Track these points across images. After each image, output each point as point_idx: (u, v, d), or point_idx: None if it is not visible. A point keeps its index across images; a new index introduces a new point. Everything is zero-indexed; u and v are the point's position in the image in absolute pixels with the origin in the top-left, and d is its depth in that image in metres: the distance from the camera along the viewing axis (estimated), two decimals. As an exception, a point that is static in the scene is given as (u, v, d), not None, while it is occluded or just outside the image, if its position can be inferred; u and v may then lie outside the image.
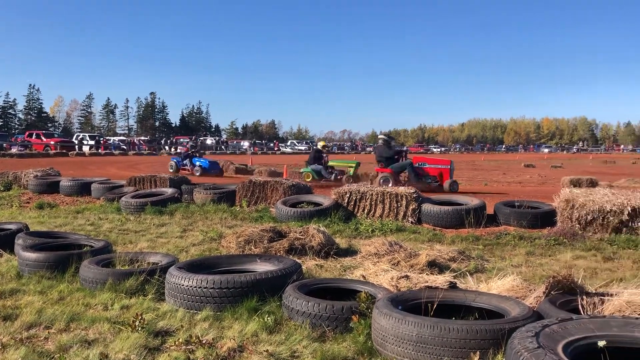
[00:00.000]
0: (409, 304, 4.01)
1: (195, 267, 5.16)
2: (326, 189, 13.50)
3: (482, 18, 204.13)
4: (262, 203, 11.11)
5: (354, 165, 19.05)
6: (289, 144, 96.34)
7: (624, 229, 8.17)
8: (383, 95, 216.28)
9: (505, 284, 4.75)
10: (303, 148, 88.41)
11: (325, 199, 10.27)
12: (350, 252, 7.26)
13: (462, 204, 9.56)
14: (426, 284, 4.40)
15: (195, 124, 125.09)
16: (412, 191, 9.81)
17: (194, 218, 10.14)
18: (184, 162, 23.33)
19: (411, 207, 9.60)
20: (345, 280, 5.06)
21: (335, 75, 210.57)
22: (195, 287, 4.59)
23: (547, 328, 3.05)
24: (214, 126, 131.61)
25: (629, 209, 8.21)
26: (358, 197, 10.02)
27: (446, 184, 14.92)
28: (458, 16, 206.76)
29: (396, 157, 15.79)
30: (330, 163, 19.34)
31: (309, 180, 17.62)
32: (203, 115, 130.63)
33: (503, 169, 36.51)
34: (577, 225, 8.37)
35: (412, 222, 9.46)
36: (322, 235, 6.96)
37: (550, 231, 8.29)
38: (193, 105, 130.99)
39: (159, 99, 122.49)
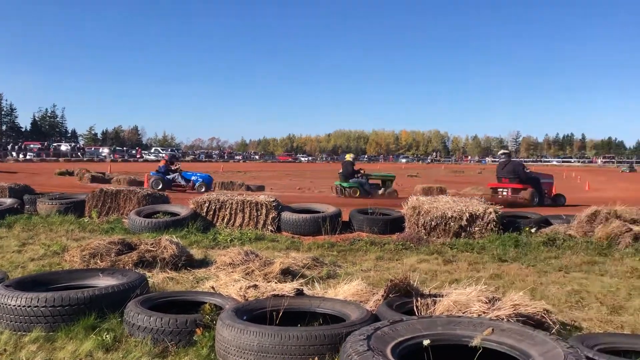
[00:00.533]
0: (254, 313, 4.00)
1: (26, 284, 4.72)
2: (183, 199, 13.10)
3: (343, 34, 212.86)
4: (114, 214, 10.50)
5: (393, 178, 18.57)
6: (152, 151, 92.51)
7: (463, 233, 8.91)
8: (253, 104, 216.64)
9: (350, 288, 4.92)
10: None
11: (182, 209, 9.97)
12: (205, 263, 7.11)
13: (320, 212, 9.82)
14: (274, 293, 4.42)
15: (48, 129, 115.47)
16: (271, 200, 9.87)
17: (37, 230, 9.32)
18: (172, 177, 19.18)
19: (271, 216, 9.65)
20: (192, 293, 4.92)
21: (204, 82, 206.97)
22: (23, 306, 4.19)
23: (379, 330, 3.20)
24: (70, 131, 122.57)
25: (467, 215, 8.97)
26: (217, 206, 9.86)
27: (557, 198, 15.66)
28: (325, 31, 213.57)
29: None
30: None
31: (357, 195, 16.76)
32: (58, 119, 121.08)
33: (364, 177, 38.14)
34: (423, 231, 8.96)
35: (271, 231, 9.51)
36: (175, 247, 6.73)
37: (399, 236, 8.79)
38: (47, 109, 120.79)
39: (5, 100, 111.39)
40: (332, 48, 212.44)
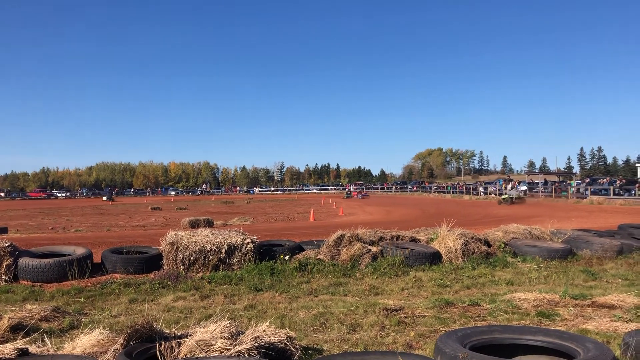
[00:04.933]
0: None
1: None
2: None
3: (106, 61, 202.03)
4: None
5: None
6: None
7: (222, 265, 8.94)
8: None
9: (91, 339, 4.50)
10: None
11: None
12: None
13: (66, 255, 8.91)
14: (-10, 357, 3.79)
15: None
16: (6, 245, 8.64)
17: None
18: None
19: (5, 264, 8.42)
20: None
21: None
22: None
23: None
24: None
25: (226, 247, 9.04)
26: None
27: None
28: (84, 56, 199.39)
29: None
30: None
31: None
32: None
33: (130, 212, 36.31)
34: (181, 267, 8.75)
35: (6, 281, 8.29)
36: None
37: (156, 275, 8.43)
38: None
39: None
40: (96, 73, 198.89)
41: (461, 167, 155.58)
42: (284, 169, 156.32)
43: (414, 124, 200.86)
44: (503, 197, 39.50)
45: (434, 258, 9.57)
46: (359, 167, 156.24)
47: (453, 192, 64.40)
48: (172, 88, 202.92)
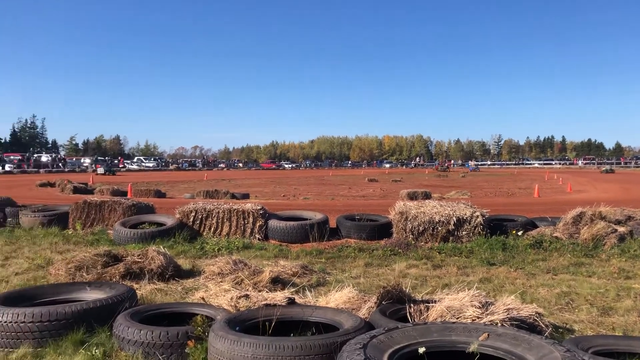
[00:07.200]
0: (247, 324, 3.95)
1: (12, 299, 4.62)
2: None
3: (327, 42, 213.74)
4: (99, 225, 10.36)
5: None
6: (135, 160, 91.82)
7: (451, 237, 8.93)
8: (236, 112, 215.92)
9: (342, 296, 4.89)
10: (151, 165, 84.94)
11: (168, 219, 9.87)
12: (193, 273, 7.03)
13: (307, 219, 9.78)
14: (265, 302, 4.38)
15: (28, 140, 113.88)
16: (258, 208, 9.81)
17: (19, 244, 9.15)
18: None
19: (258, 224, 9.59)
20: (182, 304, 4.85)
21: (186, 89, 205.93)
22: (10, 322, 4.10)
23: (375, 339, 3.17)
24: (50, 142, 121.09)
25: (455, 219, 9.00)
26: (204, 215, 9.78)
27: None
28: (309, 37, 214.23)
29: None
30: None
31: None
32: (38, 130, 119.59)
33: (349, 183, 38.23)
34: (410, 236, 8.97)
35: (259, 239, 9.45)
36: (163, 257, 6.65)
37: (387, 242, 8.78)
38: (26, 119, 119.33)
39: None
40: (317, 55, 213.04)
41: None
42: (502, 142, 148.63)
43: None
44: None
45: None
46: (589, 140, 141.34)
47: None
48: (393, 69, 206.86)
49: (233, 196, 21.20)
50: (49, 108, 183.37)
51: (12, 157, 66.09)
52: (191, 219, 9.77)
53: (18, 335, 4.10)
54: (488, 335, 3.21)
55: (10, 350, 4.05)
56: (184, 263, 7.48)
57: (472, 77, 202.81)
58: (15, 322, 4.10)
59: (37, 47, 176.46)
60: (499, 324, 3.65)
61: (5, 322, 4.10)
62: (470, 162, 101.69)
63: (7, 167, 58.74)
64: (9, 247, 8.84)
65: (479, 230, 8.94)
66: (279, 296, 4.49)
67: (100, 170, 51.03)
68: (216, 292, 5.23)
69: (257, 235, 9.51)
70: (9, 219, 11.04)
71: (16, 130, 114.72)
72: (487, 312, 3.90)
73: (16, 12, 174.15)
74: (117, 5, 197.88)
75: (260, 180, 43.22)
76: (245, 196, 21.99)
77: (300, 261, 7.55)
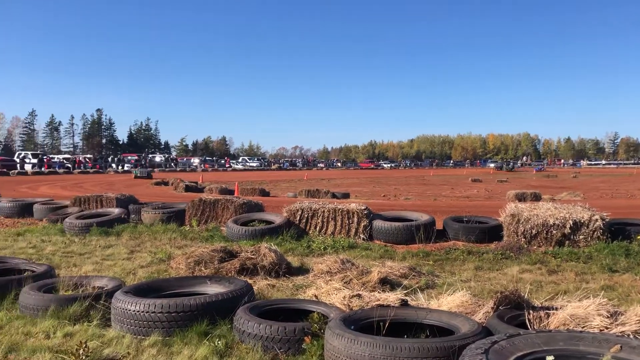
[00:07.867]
0: (361, 323, 4.00)
1: (142, 291, 5.01)
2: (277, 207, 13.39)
3: (421, 40, 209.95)
4: (212, 222, 10.93)
5: None
6: (240, 160, 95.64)
7: (567, 241, 8.47)
8: (334, 112, 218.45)
9: (455, 299, 4.81)
10: (255, 164, 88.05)
11: (277, 217, 10.20)
12: (302, 270, 7.21)
13: (413, 220, 9.70)
14: (378, 303, 4.41)
15: (143, 141, 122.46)
16: (362, 208, 9.86)
17: (142, 239, 9.87)
18: None
19: (362, 224, 9.65)
20: (297, 301, 5.00)
21: (286, 92, 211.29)
22: (142, 311, 4.44)
23: (496, 344, 3.09)
24: (163, 143, 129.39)
25: (571, 222, 8.52)
26: (310, 214, 10.00)
27: None
28: (404, 35, 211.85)
29: None
30: None
31: None
32: (152, 132, 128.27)
33: (451, 184, 37.38)
34: (522, 239, 8.61)
35: (363, 239, 9.50)
36: (274, 254, 6.89)
37: (498, 245, 8.49)
38: (141, 122, 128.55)
39: (105, 115, 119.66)
40: (414, 52, 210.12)
41: None
42: (618, 140, 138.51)
43: None
44: None
45: None
46: None
47: None
48: (499, 62, 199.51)
49: (334, 195, 21.48)
50: (161, 111, 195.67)
51: (129, 158, 71.29)
52: (298, 218, 10.02)
53: (149, 325, 4.43)
54: (621, 347, 3.03)
55: (143, 337, 4.38)
56: (293, 260, 7.69)
57: (583, 68, 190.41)
58: (147, 312, 4.43)
59: (149, 57, 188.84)
60: (632, 336, 3.42)
61: (138, 311, 4.45)
62: (581, 161, 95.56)
63: (126, 167, 63.41)
64: (133, 242, 9.56)
65: (598, 234, 8.40)
66: (391, 297, 4.50)
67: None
68: (327, 290, 5.34)
69: (361, 235, 9.57)
70: (132, 216, 11.91)
71: (132, 132, 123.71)
72: (617, 322, 3.66)
73: (141, 23, 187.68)
74: (229, 11, 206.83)
75: (359, 180, 43.40)
76: (346, 195, 22.19)
77: (407, 263, 7.49)
